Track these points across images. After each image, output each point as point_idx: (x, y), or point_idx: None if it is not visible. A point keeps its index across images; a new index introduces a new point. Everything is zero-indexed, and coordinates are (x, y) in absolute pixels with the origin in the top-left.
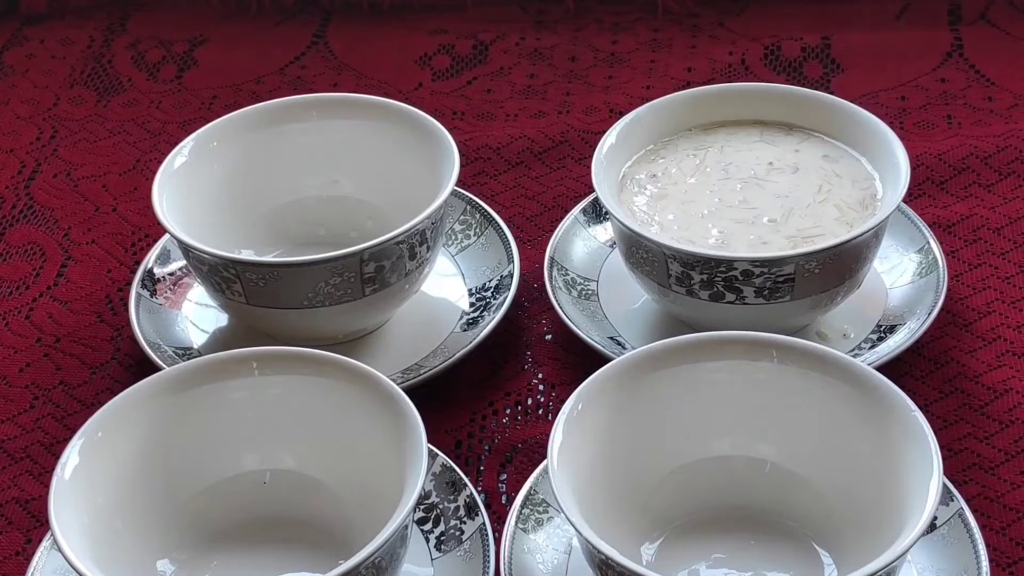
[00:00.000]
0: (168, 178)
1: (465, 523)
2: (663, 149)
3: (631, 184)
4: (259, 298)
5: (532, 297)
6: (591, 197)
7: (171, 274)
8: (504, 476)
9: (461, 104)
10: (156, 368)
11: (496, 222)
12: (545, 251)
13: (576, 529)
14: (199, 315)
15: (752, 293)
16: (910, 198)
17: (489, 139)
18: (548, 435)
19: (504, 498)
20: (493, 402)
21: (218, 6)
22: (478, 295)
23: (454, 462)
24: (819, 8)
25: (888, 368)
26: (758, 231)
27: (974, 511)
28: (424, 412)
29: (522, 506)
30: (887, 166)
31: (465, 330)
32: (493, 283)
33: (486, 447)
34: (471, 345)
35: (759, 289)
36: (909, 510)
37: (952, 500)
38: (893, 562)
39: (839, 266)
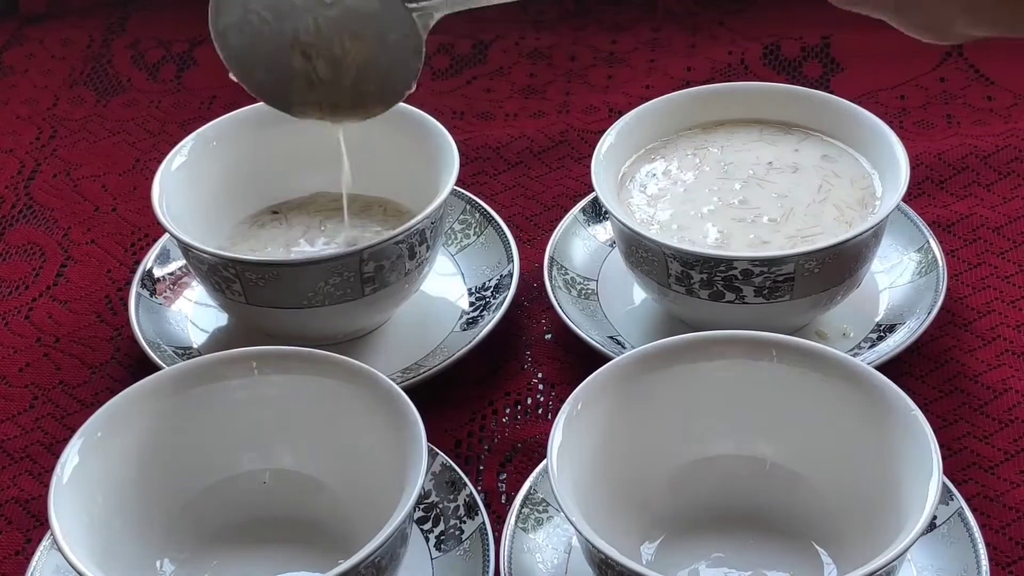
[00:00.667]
0: (168, 178)
1: (465, 523)
2: (663, 148)
3: (631, 183)
4: (259, 298)
5: (532, 297)
6: (591, 196)
7: (171, 274)
8: (504, 476)
9: (461, 104)
10: (156, 368)
11: (496, 222)
12: (545, 251)
13: (576, 529)
14: (199, 315)
15: (752, 292)
16: (910, 197)
17: (489, 139)
18: (548, 435)
19: (504, 498)
20: (493, 402)
21: None
22: (478, 295)
23: (454, 462)
24: (819, 8)
25: (888, 367)
26: (758, 231)
27: (974, 510)
28: (424, 412)
29: (522, 505)
30: (886, 165)
31: (465, 330)
32: (493, 283)
33: (486, 447)
34: (471, 345)
35: (759, 288)
36: (909, 509)
37: (952, 499)
38: (893, 561)
39: (839, 265)
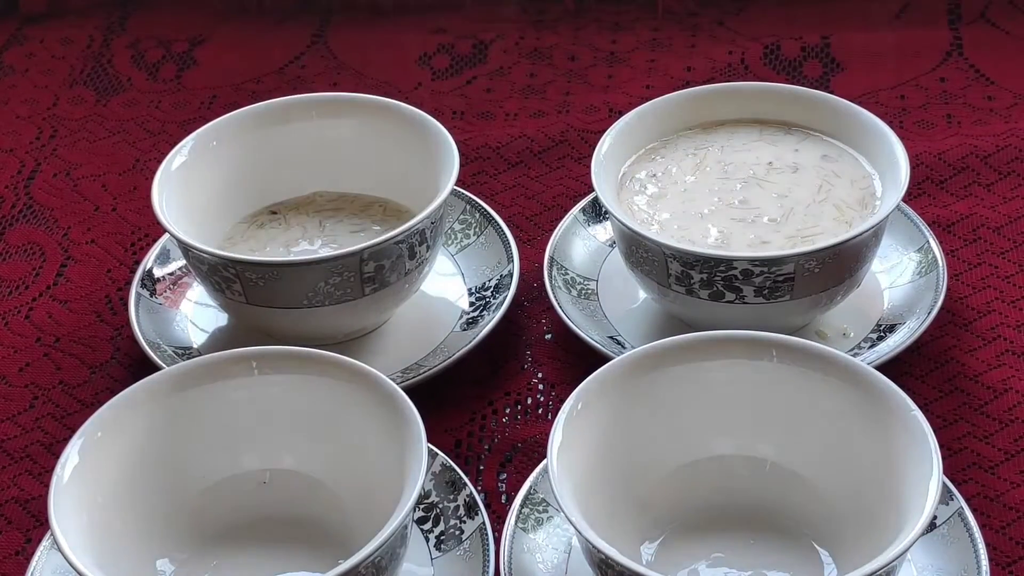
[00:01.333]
0: (168, 178)
1: (465, 522)
2: (663, 148)
3: (631, 183)
4: (259, 298)
5: (532, 297)
6: (591, 196)
7: (171, 274)
8: (504, 475)
9: (461, 103)
10: (156, 368)
11: (496, 221)
12: (545, 250)
13: (576, 528)
14: (199, 315)
15: (752, 292)
16: (910, 197)
17: (489, 138)
18: (548, 434)
19: (504, 497)
20: (493, 401)
21: (218, 6)
22: (478, 294)
23: (454, 461)
24: (819, 7)
25: (888, 367)
26: (758, 230)
27: (974, 510)
28: (424, 412)
29: (522, 505)
30: (887, 165)
31: (465, 329)
32: (493, 282)
33: (486, 446)
34: (471, 344)
35: (759, 288)
36: (909, 509)
37: (952, 499)
38: (893, 561)
39: (839, 265)
